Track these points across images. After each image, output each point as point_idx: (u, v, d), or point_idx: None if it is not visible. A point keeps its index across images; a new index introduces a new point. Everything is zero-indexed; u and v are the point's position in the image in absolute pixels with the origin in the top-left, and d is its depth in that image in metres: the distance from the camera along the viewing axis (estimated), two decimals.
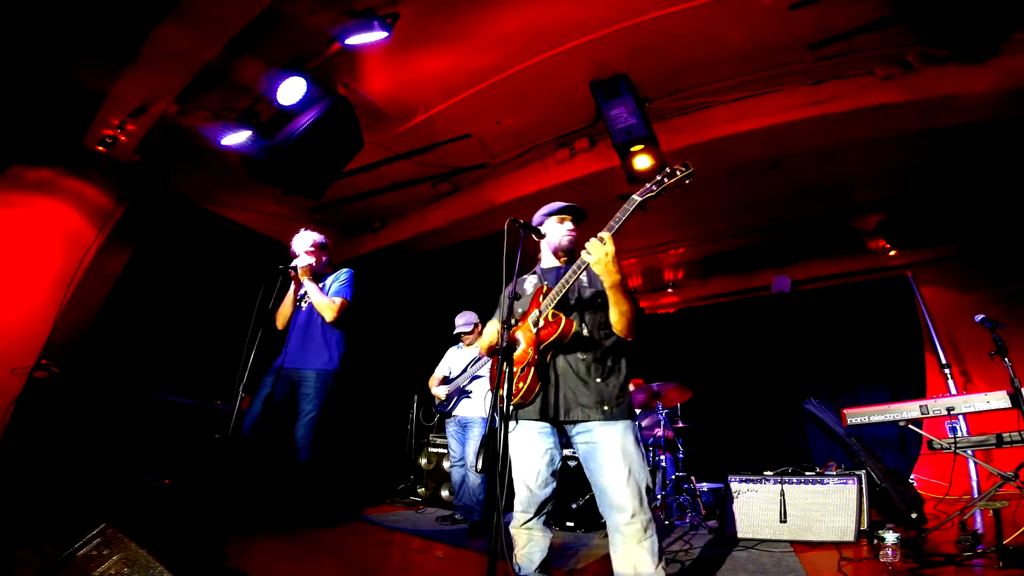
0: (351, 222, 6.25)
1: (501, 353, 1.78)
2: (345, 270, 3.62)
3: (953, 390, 5.17)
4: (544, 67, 3.74)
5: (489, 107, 4.21)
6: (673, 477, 4.45)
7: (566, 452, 2.04)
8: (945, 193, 4.92)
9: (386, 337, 6.64)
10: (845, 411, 3.72)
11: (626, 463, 1.84)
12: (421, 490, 5.22)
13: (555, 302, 1.96)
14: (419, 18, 3.32)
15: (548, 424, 1.98)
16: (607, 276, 1.83)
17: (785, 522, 3.29)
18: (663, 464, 4.42)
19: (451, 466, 4.27)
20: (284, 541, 3.09)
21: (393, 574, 2.99)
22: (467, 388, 4.17)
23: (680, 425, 4.90)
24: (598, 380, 1.94)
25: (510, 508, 1.92)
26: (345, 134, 3.80)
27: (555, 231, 2.21)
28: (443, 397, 4.22)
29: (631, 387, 4.70)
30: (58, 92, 3.83)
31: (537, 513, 1.94)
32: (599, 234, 1.84)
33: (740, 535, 3.38)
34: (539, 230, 2.17)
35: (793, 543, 3.20)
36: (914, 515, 3.35)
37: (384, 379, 6.41)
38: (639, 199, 1.89)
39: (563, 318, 1.93)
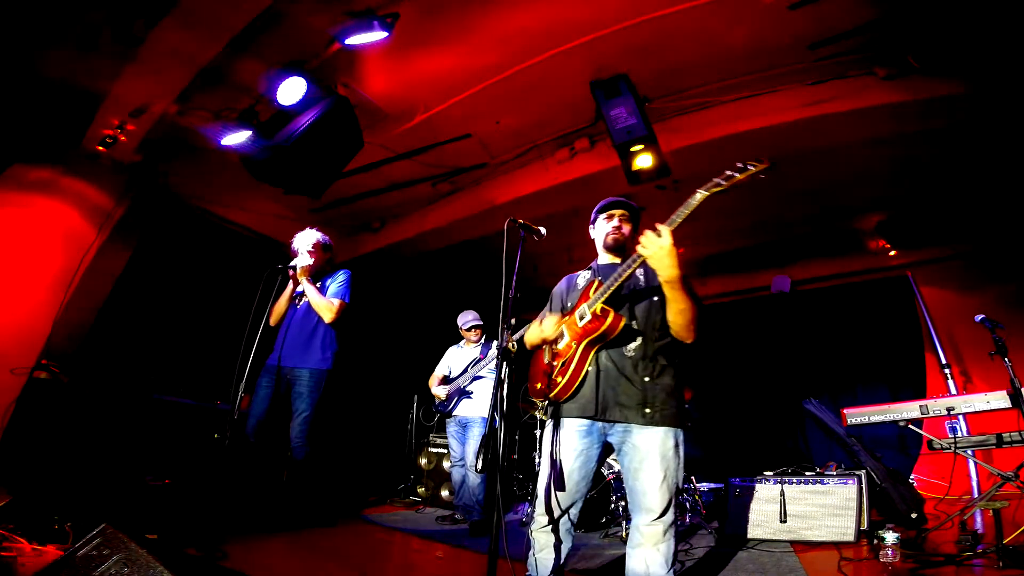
0: (351, 222, 6.25)
1: (501, 354, 1.77)
2: (343, 271, 3.63)
3: (953, 390, 5.16)
4: (544, 67, 3.74)
5: (489, 107, 4.21)
6: None
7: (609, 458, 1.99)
8: (945, 193, 4.92)
9: (386, 337, 6.65)
10: (845, 411, 3.72)
11: (663, 468, 1.78)
12: (421, 490, 5.22)
13: (605, 296, 1.89)
14: (419, 18, 3.32)
15: (588, 422, 1.89)
16: (663, 271, 1.74)
17: (785, 522, 3.29)
18: None
19: (451, 466, 4.27)
20: (284, 541, 3.09)
21: (393, 574, 2.99)
22: (468, 388, 4.16)
23: None
24: (646, 379, 1.86)
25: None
26: (345, 134, 3.80)
27: (601, 228, 2.16)
28: (443, 397, 4.22)
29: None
30: (58, 92, 3.84)
31: (562, 517, 1.87)
32: (657, 226, 1.76)
33: (740, 535, 3.38)
34: (539, 230, 2.13)
35: (793, 543, 3.20)
36: (914, 515, 3.35)
37: (384, 379, 6.42)
38: (705, 193, 1.77)
39: (611, 313, 1.85)
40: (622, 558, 1.93)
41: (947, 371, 5.27)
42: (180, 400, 4.32)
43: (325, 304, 3.42)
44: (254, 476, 3.42)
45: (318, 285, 3.51)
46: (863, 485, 3.23)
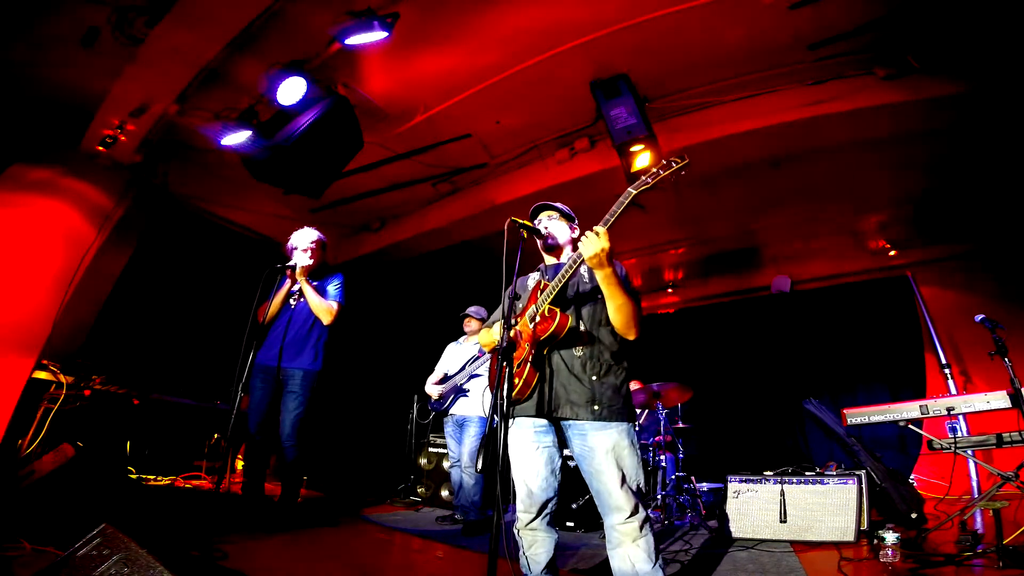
0: (351, 222, 6.25)
1: (501, 353, 1.78)
2: (337, 275, 3.63)
3: (953, 390, 5.16)
4: (544, 67, 3.74)
5: (489, 107, 4.22)
6: (673, 477, 4.45)
7: (566, 452, 2.03)
8: (945, 193, 4.93)
9: (386, 337, 6.64)
10: (845, 411, 3.71)
11: (620, 467, 1.84)
12: (421, 490, 5.22)
13: (551, 297, 1.94)
14: (419, 18, 3.32)
15: (545, 421, 1.96)
16: (599, 269, 1.82)
17: (785, 522, 3.29)
18: (663, 464, 4.42)
19: (450, 466, 4.25)
20: (284, 541, 3.09)
21: (393, 574, 2.99)
22: (464, 386, 4.14)
23: (680, 425, 4.90)
24: (593, 378, 1.92)
25: (508, 508, 1.92)
26: (345, 134, 3.80)
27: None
28: (436, 396, 4.20)
29: (635, 386, 4.74)
30: (58, 91, 3.84)
31: (540, 513, 1.92)
32: (594, 227, 1.82)
33: (740, 535, 3.38)
34: (539, 230, 2.17)
35: (793, 543, 3.20)
36: (914, 515, 3.35)
37: (384, 379, 6.41)
38: (634, 191, 1.86)
39: (558, 313, 1.91)
40: None
41: (947, 371, 5.27)
42: (180, 400, 4.32)
43: (325, 307, 3.42)
44: (257, 475, 3.42)
45: (315, 286, 3.50)
46: (863, 485, 3.23)
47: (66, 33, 3.38)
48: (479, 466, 3.72)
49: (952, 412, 3.39)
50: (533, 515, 1.92)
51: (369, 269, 6.30)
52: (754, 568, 2.78)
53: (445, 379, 4.28)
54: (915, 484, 4.15)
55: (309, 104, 3.55)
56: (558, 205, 2.28)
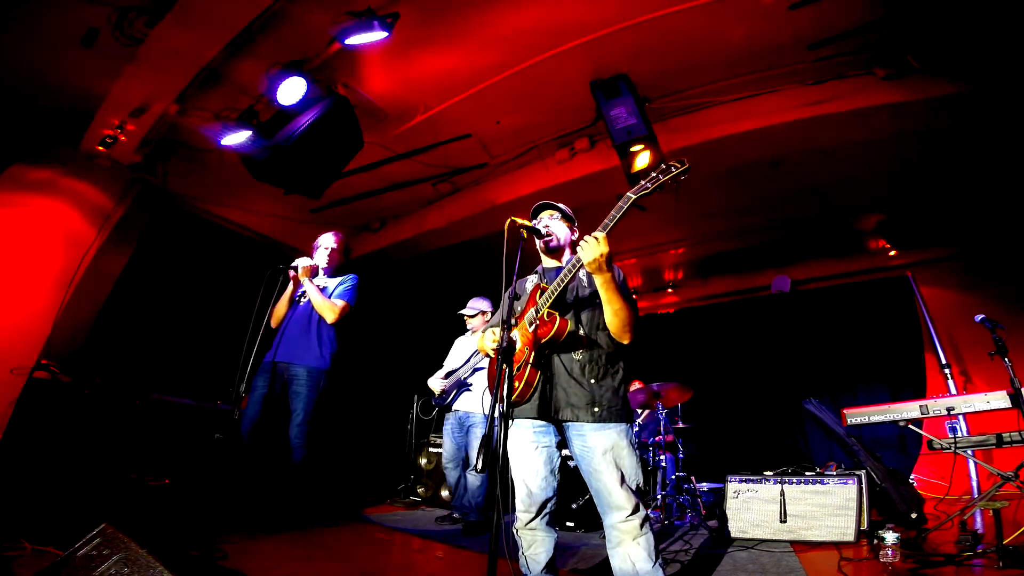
0: (351, 222, 6.24)
1: (501, 353, 1.78)
2: (351, 276, 3.63)
3: (953, 390, 5.17)
4: (544, 67, 3.74)
5: (489, 107, 4.21)
6: (673, 477, 4.45)
7: (564, 452, 2.05)
8: (945, 193, 4.92)
9: (386, 337, 6.64)
10: (845, 411, 3.72)
11: (619, 466, 1.86)
12: (421, 490, 5.22)
13: (551, 301, 1.95)
14: (419, 18, 3.32)
15: (544, 422, 1.98)
16: (598, 274, 1.83)
17: (785, 522, 3.29)
18: (663, 464, 4.42)
19: (444, 466, 4.13)
20: (284, 541, 3.09)
21: (393, 574, 2.99)
22: (467, 380, 4.05)
23: (680, 425, 4.90)
24: (592, 381, 1.94)
25: (509, 509, 1.92)
26: (345, 134, 3.80)
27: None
28: (438, 391, 4.16)
29: (636, 385, 4.74)
30: (58, 91, 3.84)
31: (539, 513, 1.93)
32: (594, 233, 1.83)
33: (740, 535, 3.38)
34: (540, 231, 2.17)
35: (793, 543, 3.20)
36: (914, 515, 3.35)
37: (384, 379, 6.41)
38: (633, 196, 1.86)
39: (557, 317, 1.93)
40: None
41: (947, 371, 5.27)
42: (180, 400, 4.31)
43: (327, 305, 3.41)
44: (254, 476, 3.42)
45: (321, 286, 3.51)
46: (863, 485, 3.23)
47: (66, 33, 3.37)
48: (479, 466, 3.69)
49: (952, 412, 3.39)
50: (533, 515, 1.93)
51: (369, 269, 6.29)
52: (754, 568, 2.79)
53: (451, 374, 4.23)
54: (915, 484, 4.15)
55: (309, 104, 3.55)
56: (560, 206, 2.28)
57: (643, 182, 1.87)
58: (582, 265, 1.85)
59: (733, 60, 3.69)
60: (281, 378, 3.37)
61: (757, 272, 6.74)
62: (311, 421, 3.34)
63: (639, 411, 5.01)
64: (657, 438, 4.54)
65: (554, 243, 2.17)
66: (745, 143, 4.12)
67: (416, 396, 5.76)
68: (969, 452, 3.45)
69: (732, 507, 3.47)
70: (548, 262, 2.26)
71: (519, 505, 1.96)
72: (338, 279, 3.61)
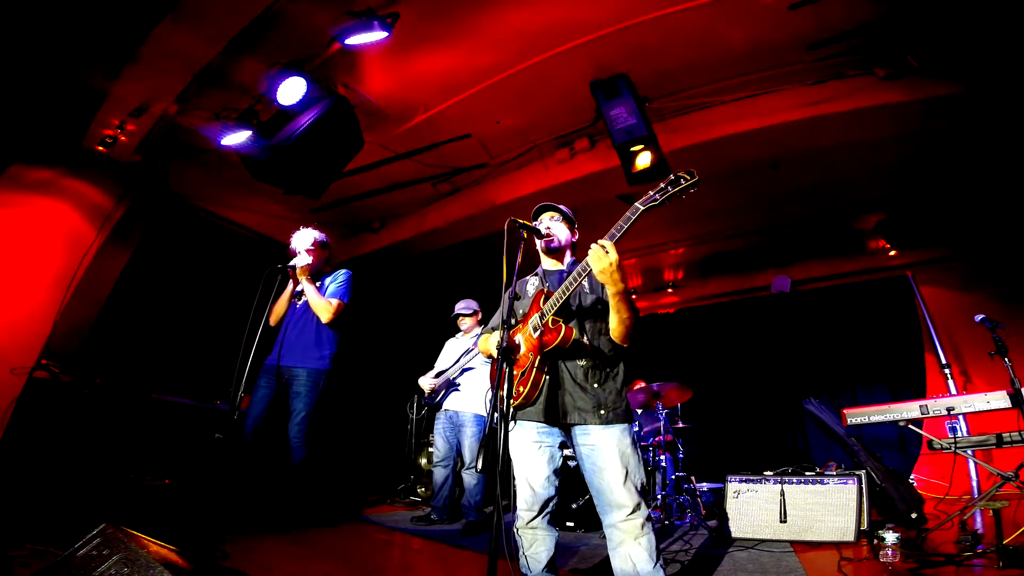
0: (351, 222, 6.25)
1: (501, 353, 1.78)
2: (343, 271, 3.62)
3: (953, 390, 5.16)
4: (544, 67, 3.74)
5: (489, 107, 4.21)
6: (673, 477, 4.44)
7: (566, 452, 2.06)
8: (945, 193, 4.92)
9: (386, 337, 6.64)
10: (845, 411, 3.72)
11: (624, 464, 1.87)
12: (421, 490, 5.22)
13: (556, 308, 1.96)
14: (419, 18, 3.32)
15: (548, 424, 2.00)
16: (611, 285, 1.83)
17: (785, 522, 3.29)
18: (663, 464, 4.42)
19: (434, 465, 4.16)
20: (284, 541, 3.09)
21: (393, 574, 2.99)
22: (456, 380, 4.10)
23: (680, 425, 4.89)
24: (595, 386, 1.97)
25: (512, 508, 1.93)
26: (345, 134, 3.80)
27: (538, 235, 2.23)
28: (427, 390, 4.19)
29: (638, 385, 4.73)
30: (58, 91, 3.83)
31: (541, 512, 1.95)
32: (600, 241, 1.82)
33: (740, 535, 3.38)
34: (539, 231, 2.18)
35: (793, 543, 3.20)
36: (914, 515, 3.35)
37: (384, 379, 6.41)
38: (642, 208, 1.85)
39: (563, 325, 1.94)
40: None
41: (947, 371, 5.27)
42: (180, 400, 4.32)
43: (323, 304, 3.42)
44: (254, 476, 3.42)
45: (317, 284, 3.51)
46: (863, 485, 3.23)
47: (66, 33, 3.37)
48: (479, 466, 3.69)
49: (952, 412, 3.39)
50: (535, 513, 1.94)
51: (369, 269, 6.30)
52: (754, 568, 2.78)
53: (441, 375, 4.26)
54: (915, 484, 4.15)
55: (309, 104, 3.55)
56: (561, 207, 2.28)
57: (652, 193, 1.86)
58: (589, 272, 1.85)
59: (733, 60, 3.69)
60: (283, 379, 3.38)
61: (757, 272, 6.73)
62: (311, 421, 3.35)
63: (639, 411, 5.01)
64: (657, 438, 4.53)
65: (554, 244, 2.18)
66: (745, 143, 4.12)
67: (416, 396, 5.76)
68: (969, 452, 3.45)
69: (732, 507, 3.47)
70: (548, 263, 2.26)
71: (521, 504, 1.97)
72: (331, 276, 3.60)
